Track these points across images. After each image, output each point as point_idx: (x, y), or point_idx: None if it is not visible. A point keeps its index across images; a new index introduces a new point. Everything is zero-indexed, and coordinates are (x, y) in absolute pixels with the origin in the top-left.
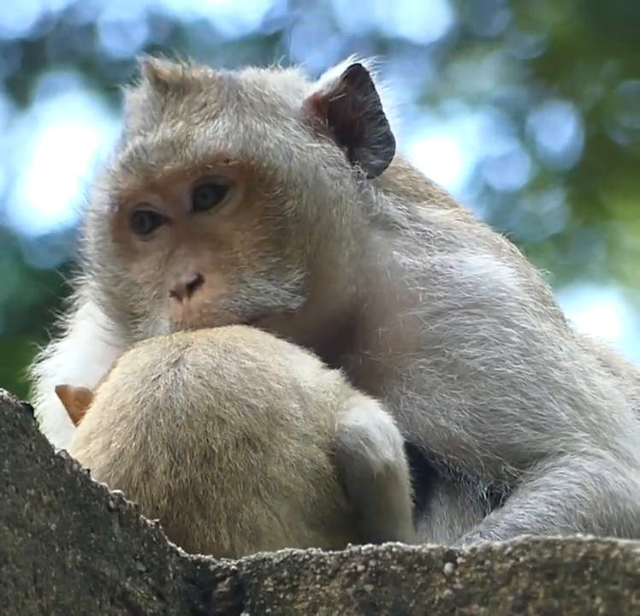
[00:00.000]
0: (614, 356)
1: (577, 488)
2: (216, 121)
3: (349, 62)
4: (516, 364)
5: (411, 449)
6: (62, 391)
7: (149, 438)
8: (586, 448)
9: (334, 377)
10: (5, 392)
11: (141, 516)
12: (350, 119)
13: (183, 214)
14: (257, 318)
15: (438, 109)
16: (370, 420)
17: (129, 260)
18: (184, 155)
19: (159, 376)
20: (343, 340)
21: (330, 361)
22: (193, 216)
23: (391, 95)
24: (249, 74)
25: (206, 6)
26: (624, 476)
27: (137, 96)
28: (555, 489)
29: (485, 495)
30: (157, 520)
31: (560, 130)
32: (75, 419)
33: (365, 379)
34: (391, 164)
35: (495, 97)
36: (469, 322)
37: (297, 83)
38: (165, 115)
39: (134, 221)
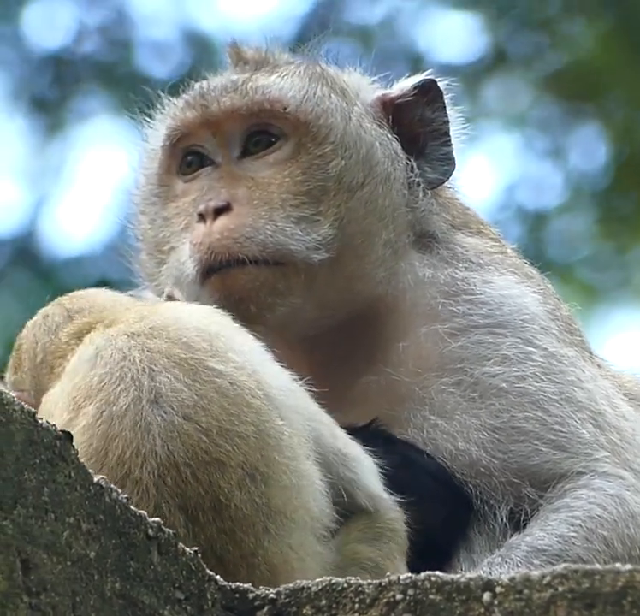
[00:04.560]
0: None
1: (598, 508)
2: (284, 78)
3: (425, 75)
4: (538, 382)
5: (448, 478)
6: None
7: (162, 502)
8: (607, 468)
9: (288, 376)
10: (44, 419)
11: (180, 544)
12: (414, 131)
13: (231, 157)
14: (278, 262)
15: (471, 130)
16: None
17: (169, 201)
18: (244, 91)
19: (148, 422)
20: (362, 356)
21: (352, 386)
22: (240, 161)
23: (460, 120)
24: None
25: (239, 23)
26: None
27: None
28: (576, 510)
29: (507, 520)
30: (196, 548)
31: (592, 151)
32: None
33: (388, 404)
34: (437, 190)
35: (529, 117)
36: (491, 340)
37: (371, 84)
38: (236, 73)
39: (183, 162)
